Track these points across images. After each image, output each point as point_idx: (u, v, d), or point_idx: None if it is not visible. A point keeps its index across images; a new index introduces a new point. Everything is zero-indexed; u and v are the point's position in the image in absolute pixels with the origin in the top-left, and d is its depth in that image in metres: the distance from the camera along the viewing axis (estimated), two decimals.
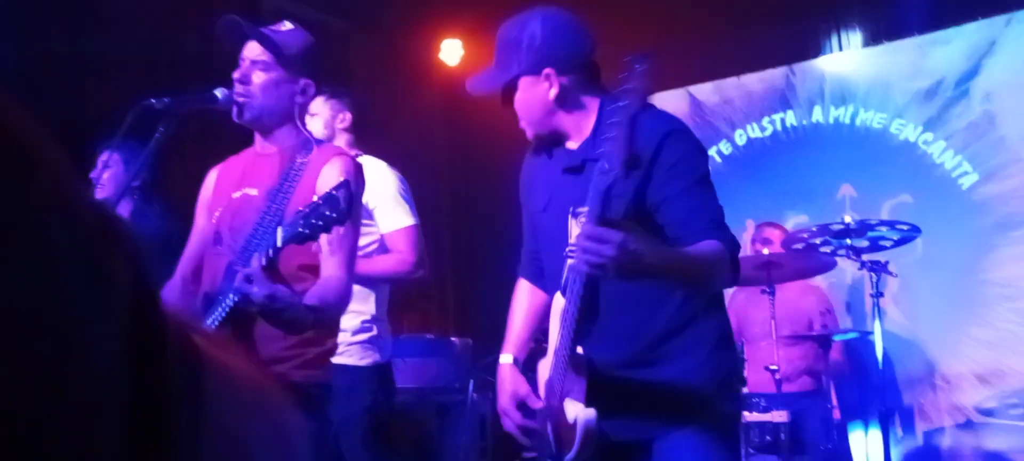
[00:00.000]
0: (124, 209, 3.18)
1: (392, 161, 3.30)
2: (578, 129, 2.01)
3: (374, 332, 3.12)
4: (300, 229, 1.86)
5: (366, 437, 3.00)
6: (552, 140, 2.06)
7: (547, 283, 2.11)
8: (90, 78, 4.13)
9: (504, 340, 2.16)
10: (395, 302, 3.29)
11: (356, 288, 3.06)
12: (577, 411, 1.85)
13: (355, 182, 2.15)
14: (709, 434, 1.88)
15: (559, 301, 1.92)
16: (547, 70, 1.97)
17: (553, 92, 1.97)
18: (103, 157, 3.20)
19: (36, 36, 3.90)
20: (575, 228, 1.90)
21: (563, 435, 1.90)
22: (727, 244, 1.83)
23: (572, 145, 2.03)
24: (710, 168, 1.96)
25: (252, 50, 2.21)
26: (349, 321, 2.97)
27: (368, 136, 3.31)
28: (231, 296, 1.94)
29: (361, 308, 3.08)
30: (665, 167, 1.84)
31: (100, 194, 3.09)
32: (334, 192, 1.84)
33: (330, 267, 2.11)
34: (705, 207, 1.86)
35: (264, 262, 1.90)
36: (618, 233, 1.63)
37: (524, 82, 1.99)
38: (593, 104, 2.01)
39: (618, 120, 1.74)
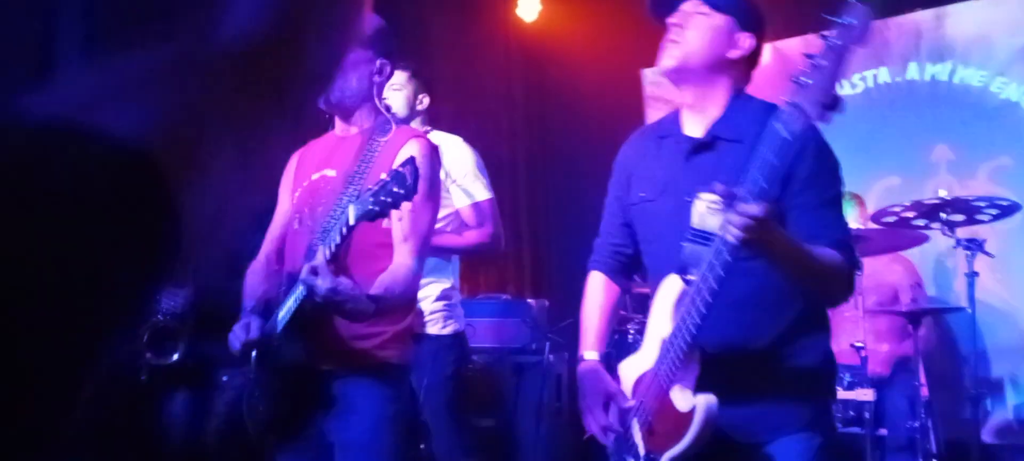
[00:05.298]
0: None
1: (468, 120, 3.35)
2: (704, 109, 1.93)
3: (453, 300, 3.24)
4: (370, 206, 1.86)
5: (449, 402, 3.15)
6: (672, 113, 2.00)
7: (649, 273, 2.02)
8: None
9: (582, 337, 2.08)
10: (471, 262, 3.36)
11: (433, 260, 3.15)
12: (693, 399, 1.75)
13: (430, 161, 2.16)
14: (818, 445, 1.84)
15: (672, 286, 1.81)
16: (752, 34, 1.93)
17: (737, 53, 1.92)
18: None
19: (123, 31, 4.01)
20: (704, 210, 1.78)
21: (661, 429, 1.81)
22: (849, 263, 1.82)
23: (692, 128, 1.95)
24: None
25: None
26: (430, 290, 3.10)
27: (442, 98, 3.34)
28: (301, 286, 1.98)
29: (441, 278, 3.20)
30: (804, 175, 1.79)
31: None
32: (400, 169, 1.85)
33: (401, 254, 2.11)
34: (834, 225, 1.84)
35: (329, 255, 1.92)
36: (762, 207, 1.59)
37: (724, 20, 1.91)
38: (727, 95, 1.94)
39: (827, 58, 1.60)
